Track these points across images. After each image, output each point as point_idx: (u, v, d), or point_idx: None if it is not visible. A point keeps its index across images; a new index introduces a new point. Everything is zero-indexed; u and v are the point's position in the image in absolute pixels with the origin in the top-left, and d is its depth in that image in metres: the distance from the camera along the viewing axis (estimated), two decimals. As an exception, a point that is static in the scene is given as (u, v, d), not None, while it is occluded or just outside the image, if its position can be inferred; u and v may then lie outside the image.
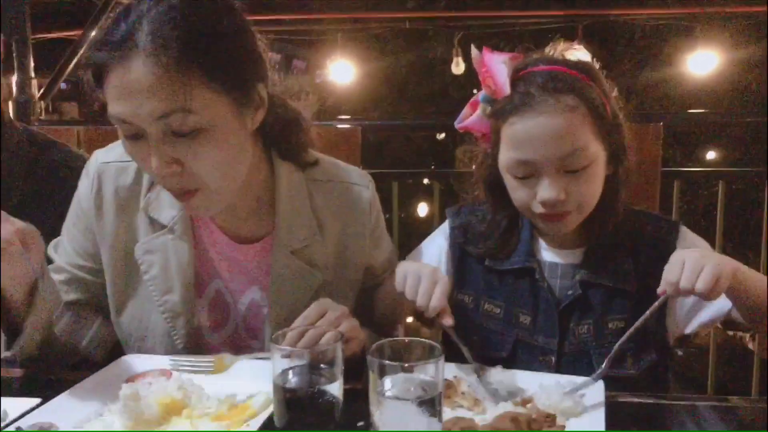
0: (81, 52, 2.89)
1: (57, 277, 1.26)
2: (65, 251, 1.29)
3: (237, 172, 1.14)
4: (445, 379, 1.01)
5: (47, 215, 1.40)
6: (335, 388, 0.90)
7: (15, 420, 0.95)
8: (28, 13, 2.78)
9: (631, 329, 1.09)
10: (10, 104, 2.70)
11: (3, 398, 1.00)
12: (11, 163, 1.45)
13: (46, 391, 1.04)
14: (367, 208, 1.31)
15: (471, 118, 1.26)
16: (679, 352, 2.98)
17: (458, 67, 4.72)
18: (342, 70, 5.01)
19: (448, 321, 1.11)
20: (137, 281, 1.23)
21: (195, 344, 1.24)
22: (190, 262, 1.22)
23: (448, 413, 0.97)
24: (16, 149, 1.47)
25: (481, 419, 0.96)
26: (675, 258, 1.07)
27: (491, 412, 0.99)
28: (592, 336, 1.24)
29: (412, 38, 5.73)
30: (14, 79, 2.93)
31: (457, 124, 1.28)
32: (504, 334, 1.28)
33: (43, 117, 2.84)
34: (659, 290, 1.08)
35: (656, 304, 1.08)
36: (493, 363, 1.14)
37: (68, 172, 1.46)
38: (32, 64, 2.79)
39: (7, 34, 2.67)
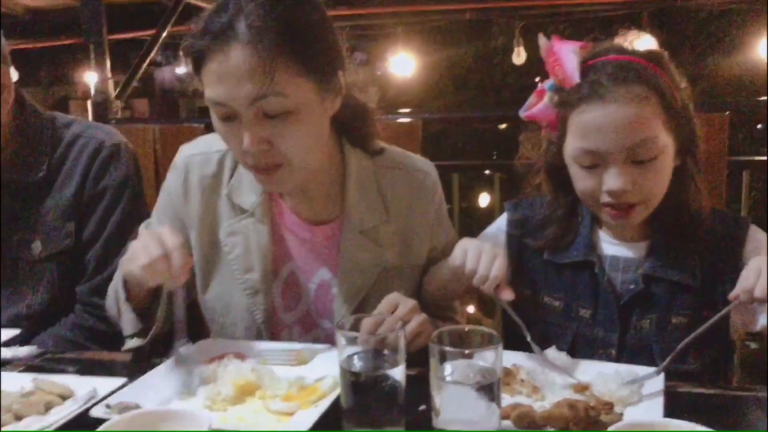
0: (153, 52, 3.02)
1: None
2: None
3: (316, 152, 1.24)
4: (504, 367, 1.04)
5: (71, 181, 1.54)
6: (398, 373, 0.94)
7: (104, 398, 1.03)
8: (104, 15, 2.92)
9: (699, 330, 1.08)
10: (89, 104, 2.85)
11: (95, 377, 1.10)
12: (35, 141, 1.55)
13: (132, 372, 1.12)
14: (431, 192, 1.39)
15: (537, 106, 1.27)
16: (752, 345, 2.89)
17: (519, 57, 4.69)
18: (402, 63, 5.04)
19: (507, 294, 1.14)
20: (221, 261, 1.33)
21: (272, 321, 1.33)
22: (268, 243, 1.31)
23: (507, 400, 1.00)
24: (39, 129, 1.56)
25: (539, 406, 0.98)
26: (752, 265, 1.06)
27: (550, 399, 1.02)
28: (654, 331, 1.24)
29: (473, 29, 5.71)
30: (91, 79, 3.08)
31: (523, 113, 1.30)
32: (563, 327, 1.29)
33: (119, 116, 2.97)
34: (731, 295, 1.07)
35: (727, 309, 1.08)
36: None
37: (87, 139, 1.57)
38: (108, 65, 2.94)
39: (85, 35, 2.82)
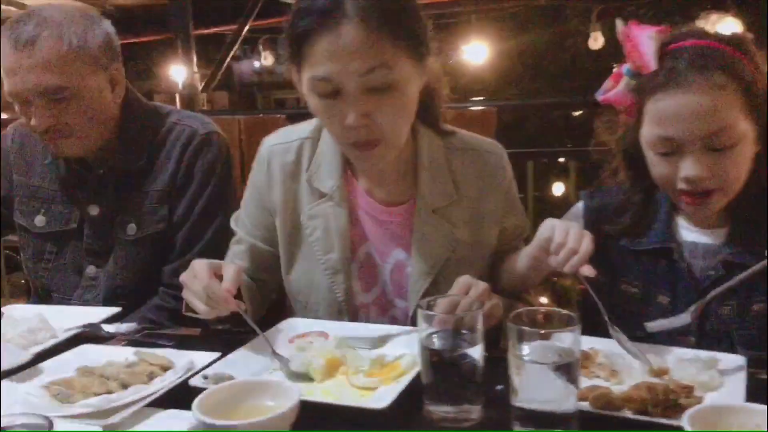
0: (236, 45, 3.14)
1: (238, 247, 1.46)
2: (244, 224, 1.48)
3: (407, 130, 1.30)
4: (582, 351, 1.05)
5: (166, 168, 1.63)
6: (476, 353, 0.97)
7: (200, 370, 1.11)
8: (191, 11, 3.04)
9: None
10: (177, 97, 2.99)
11: (191, 351, 1.18)
12: (138, 131, 1.65)
13: (225, 347, 1.20)
14: (501, 172, 1.42)
15: (613, 90, 1.26)
16: None
17: (596, 42, 4.59)
18: (475, 51, 5.01)
19: (590, 271, 1.13)
20: (303, 243, 1.40)
21: (351, 300, 1.39)
22: (346, 225, 1.37)
23: (584, 383, 1.00)
24: (142, 120, 1.66)
25: (617, 390, 0.99)
26: None
27: (628, 383, 1.02)
28: (735, 317, 1.22)
29: (547, 14, 5.61)
30: (177, 73, 3.22)
31: (599, 96, 1.29)
32: (641, 314, 1.28)
33: (205, 107, 3.10)
34: None
35: None
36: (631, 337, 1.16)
37: (182, 128, 1.66)
38: (194, 59, 3.07)
39: (173, 32, 2.95)
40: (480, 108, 2.38)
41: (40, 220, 1.68)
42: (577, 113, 5.27)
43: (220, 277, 1.20)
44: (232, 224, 1.51)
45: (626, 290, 1.32)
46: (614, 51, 1.24)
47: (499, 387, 1.01)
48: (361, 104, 1.18)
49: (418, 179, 1.37)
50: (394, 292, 1.40)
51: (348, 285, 1.37)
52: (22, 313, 1.37)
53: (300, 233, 1.40)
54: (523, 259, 1.30)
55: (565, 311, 0.95)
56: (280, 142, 1.44)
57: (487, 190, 1.40)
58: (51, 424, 0.65)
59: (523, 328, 0.91)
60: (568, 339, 0.90)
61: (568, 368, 0.89)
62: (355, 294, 1.39)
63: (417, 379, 1.02)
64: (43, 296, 1.71)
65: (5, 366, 1.12)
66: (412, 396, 1.00)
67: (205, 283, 1.17)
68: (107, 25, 1.60)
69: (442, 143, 1.40)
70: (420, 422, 0.98)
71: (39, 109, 1.51)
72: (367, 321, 1.40)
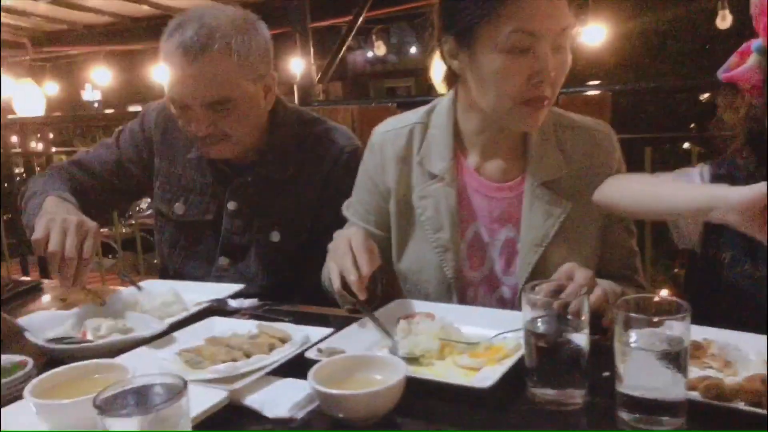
0: (351, 36, 3.23)
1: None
2: (357, 211, 1.55)
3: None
4: (694, 341, 1.03)
5: (313, 180, 1.69)
6: (581, 339, 0.97)
7: (316, 343, 1.18)
8: (308, 5, 3.15)
9: None
10: (296, 88, 3.11)
11: (307, 326, 1.26)
12: (285, 138, 1.70)
13: (338, 324, 1.27)
14: (610, 150, 1.44)
15: (740, 68, 1.20)
16: None
17: (724, 21, 4.29)
18: (593, 33, 4.84)
19: None
20: (415, 224, 1.45)
21: (460, 278, 1.42)
22: (455, 204, 1.41)
23: (695, 373, 0.98)
24: (288, 126, 1.72)
25: (731, 381, 0.96)
26: None
27: (742, 375, 0.99)
28: None
29: (672, -7, 5.32)
30: (295, 65, 3.36)
31: (722, 74, 1.23)
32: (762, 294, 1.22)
33: (321, 98, 3.21)
34: None
35: None
36: (747, 325, 1.11)
37: (329, 143, 1.70)
38: (312, 51, 3.18)
39: (292, 25, 3.07)
40: (595, 92, 2.31)
41: (179, 207, 1.73)
42: (704, 96, 4.97)
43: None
44: (344, 211, 1.57)
45: (749, 270, 1.26)
46: (743, 30, 1.18)
47: (605, 374, 1.01)
48: (550, 60, 1.25)
49: (528, 154, 1.40)
50: (503, 270, 1.43)
51: (457, 263, 1.41)
52: (158, 288, 1.50)
53: (412, 214, 1.45)
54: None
55: (676, 299, 0.94)
56: (390, 129, 1.50)
57: (595, 167, 1.41)
58: (185, 384, 0.73)
59: (631, 314, 0.90)
60: (678, 327, 0.88)
61: (676, 357, 0.88)
62: (464, 272, 1.43)
63: (521, 361, 1.04)
64: (175, 279, 1.77)
65: (146, 334, 1.25)
66: (515, 378, 1.02)
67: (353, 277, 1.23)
68: (265, 31, 1.61)
69: (551, 120, 1.42)
70: (523, 403, 1.00)
71: (200, 117, 1.55)
72: (475, 299, 1.43)
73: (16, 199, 4.34)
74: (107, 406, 0.70)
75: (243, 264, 1.71)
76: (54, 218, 1.35)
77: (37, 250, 1.34)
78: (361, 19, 3.28)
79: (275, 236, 1.69)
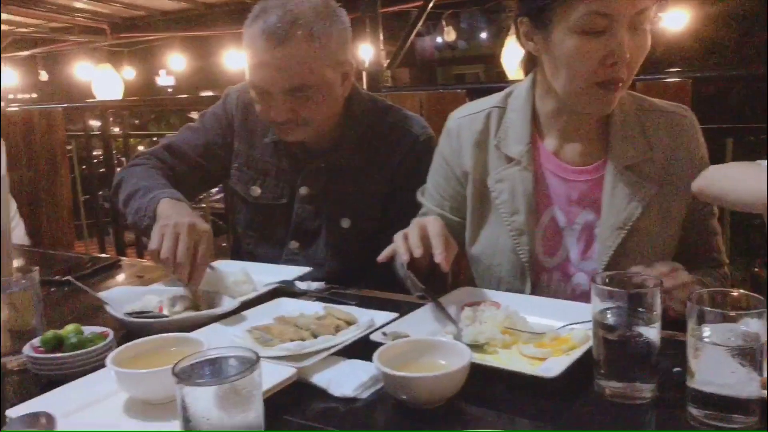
0: (420, 22, 3.22)
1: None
2: (432, 196, 1.56)
3: None
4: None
5: (386, 169, 1.70)
6: (652, 333, 0.95)
7: (380, 327, 1.19)
8: (378, -9, 3.16)
9: None
10: (364, 75, 3.13)
11: (372, 310, 1.27)
12: (359, 126, 1.71)
13: (403, 308, 1.29)
14: (693, 135, 1.42)
15: None
16: None
17: (818, 4, 4.04)
18: (674, 18, 4.66)
19: None
20: (490, 207, 1.46)
21: (534, 262, 1.42)
22: (532, 187, 1.41)
23: (773, 372, 0.95)
24: (363, 114, 1.73)
25: (811, 382, 0.93)
26: None
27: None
28: None
29: (761, -26, 5.04)
30: (364, 51, 3.37)
31: None
32: None
33: (389, 84, 3.22)
34: None
35: None
36: None
37: (403, 132, 1.71)
38: (381, 37, 3.19)
39: (362, 10, 3.09)
40: (675, 80, 2.23)
41: (255, 189, 1.77)
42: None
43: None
44: (419, 197, 1.59)
45: None
46: None
47: (676, 369, 0.99)
48: (625, 41, 1.23)
49: (610, 137, 1.39)
50: (579, 256, 1.41)
51: (532, 247, 1.41)
52: (229, 268, 1.55)
53: (487, 197, 1.46)
54: None
55: (754, 294, 0.90)
56: (467, 114, 1.51)
57: (678, 152, 1.39)
58: (258, 358, 0.76)
59: (705, 308, 0.87)
60: (754, 323, 0.85)
61: (751, 353, 0.85)
62: (539, 258, 1.42)
63: (588, 353, 1.02)
64: (247, 260, 1.80)
65: (218, 311, 1.30)
66: (582, 369, 1.01)
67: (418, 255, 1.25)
68: (345, 18, 1.62)
69: (632, 103, 1.41)
70: (589, 395, 0.99)
71: (280, 103, 1.56)
72: (549, 285, 1.43)
73: (92, 182, 4.53)
74: (185, 376, 0.73)
75: (313, 248, 1.74)
76: (167, 224, 1.39)
77: (153, 259, 1.39)
78: (431, 4, 3.26)
79: (345, 222, 1.71)
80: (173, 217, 1.43)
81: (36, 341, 1.13)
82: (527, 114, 1.43)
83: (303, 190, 1.73)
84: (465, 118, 1.51)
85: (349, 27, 1.63)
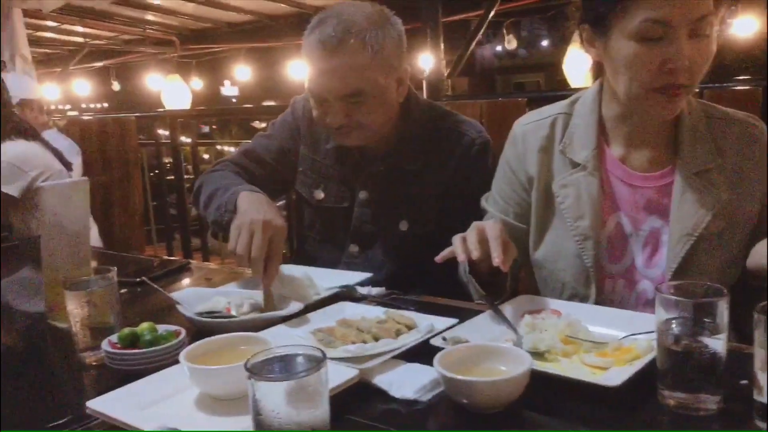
0: (482, 31, 3.22)
1: None
2: (496, 202, 1.58)
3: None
4: None
5: (442, 172, 1.72)
6: (718, 344, 0.93)
7: (440, 332, 1.21)
8: (441, 1, 3.18)
9: None
10: (424, 84, 3.15)
11: (432, 315, 1.29)
12: (416, 130, 1.74)
13: (462, 315, 1.30)
14: (764, 144, 1.38)
15: None
16: None
17: None
18: (744, 25, 4.52)
19: None
20: (554, 212, 1.46)
21: (599, 268, 1.41)
22: (598, 193, 1.41)
23: None
24: (420, 118, 1.76)
25: None
26: None
27: None
28: None
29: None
30: (424, 60, 3.39)
31: None
32: None
33: (449, 93, 3.23)
34: None
35: None
36: None
37: (459, 136, 1.73)
38: (442, 46, 3.21)
39: (423, 20, 3.11)
40: (744, 87, 2.17)
41: (318, 193, 1.83)
42: None
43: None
44: (483, 204, 1.61)
45: None
46: None
47: (743, 381, 0.97)
48: (685, 48, 1.23)
49: (679, 144, 1.38)
50: (645, 263, 1.40)
51: (597, 252, 1.40)
52: (293, 272, 1.60)
53: (551, 203, 1.46)
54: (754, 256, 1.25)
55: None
56: (532, 120, 1.52)
57: (748, 160, 1.37)
58: (325, 356, 0.79)
59: (773, 320, 0.86)
60: (827, 337, 0.83)
61: (824, 368, 0.83)
62: (603, 264, 1.42)
63: (652, 363, 1.01)
64: (308, 262, 1.85)
65: (283, 313, 1.34)
66: (645, 380, 1.00)
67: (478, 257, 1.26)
68: (399, 25, 1.67)
69: (701, 110, 1.40)
70: (652, 405, 0.98)
71: (335, 109, 1.63)
72: (613, 292, 1.42)
73: (161, 189, 4.70)
74: (257, 371, 0.77)
75: (371, 251, 1.78)
76: (243, 221, 1.46)
77: (234, 257, 1.46)
78: (492, 13, 3.26)
79: (403, 225, 1.74)
80: (249, 212, 1.49)
81: (113, 338, 1.19)
82: (594, 119, 1.43)
83: (362, 194, 1.77)
84: (530, 124, 1.52)
85: (403, 34, 1.67)
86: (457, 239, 1.31)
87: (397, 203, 1.75)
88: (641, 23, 1.23)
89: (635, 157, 1.42)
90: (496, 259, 1.23)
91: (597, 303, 1.40)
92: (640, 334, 1.14)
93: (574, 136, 1.45)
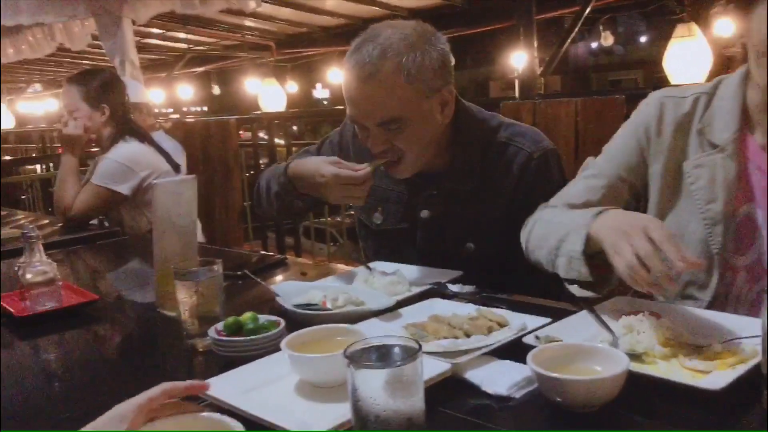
0: (577, 28, 3.15)
1: (597, 181, 1.49)
2: (612, 159, 1.50)
3: None
4: None
5: (502, 191, 1.66)
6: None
7: (533, 330, 1.21)
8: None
9: None
10: (516, 83, 3.11)
11: (524, 315, 1.29)
12: (469, 149, 1.68)
13: (555, 314, 1.29)
14: None
15: None
16: None
17: None
18: None
19: None
20: (681, 192, 1.41)
21: (724, 259, 1.36)
22: (734, 178, 1.35)
23: None
24: (472, 136, 1.69)
25: None
26: None
27: None
28: None
29: None
30: (517, 58, 3.35)
31: None
32: None
33: (542, 91, 3.18)
34: None
35: None
36: None
37: (515, 151, 1.66)
38: (535, 44, 3.16)
39: (517, 18, 3.08)
40: None
41: (377, 217, 1.80)
42: None
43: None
44: (589, 160, 1.54)
45: None
46: None
47: None
48: None
49: None
50: None
51: (724, 238, 1.35)
52: (386, 268, 1.63)
53: (680, 182, 1.41)
54: None
55: None
56: (674, 95, 1.47)
57: None
58: (420, 347, 0.81)
59: None
60: None
61: None
62: (728, 253, 1.36)
63: (757, 368, 0.97)
64: None
65: (376, 307, 1.37)
66: (750, 385, 0.97)
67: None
68: (443, 43, 1.60)
69: None
70: (756, 411, 0.94)
71: (374, 135, 1.60)
72: (732, 285, 1.36)
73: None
74: (356, 359, 0.80)
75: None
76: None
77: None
78: (588, 8, 3.18)
79: (470, 246, 1.70)
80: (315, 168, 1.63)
81: (219, 326, 1.27)
82: (738, 102, 1.36)
83: (424, 214, 1.73)
84: (671, 98, 1.45)
85: (447, 53, 1.60)
86: (628, 266, 1.15)
87: (460, 224, 1.70)
88: None
89: None
90: (680, 266, 1.09)
91: (715, 295, 1.35)
92: (744, 338, 1.09)
93: (715, 116, 1.39)
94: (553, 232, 1.41)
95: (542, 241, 1.44)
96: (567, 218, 1.40)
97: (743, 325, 1.16)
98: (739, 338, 1.10)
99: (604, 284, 1.34)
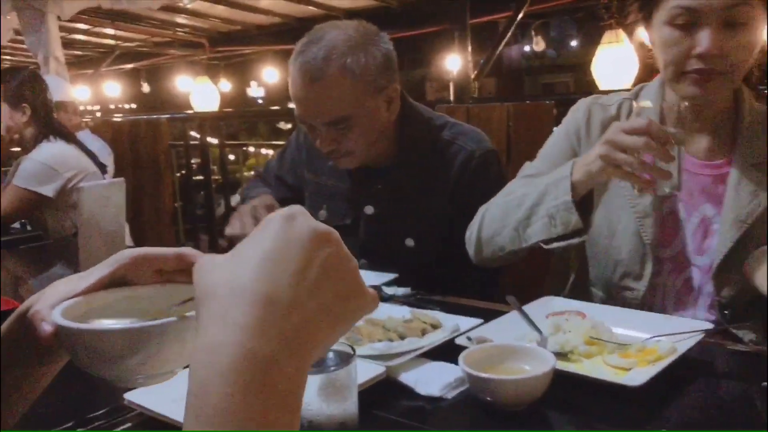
0: (510, 32, 3.22)
1: (534, 180, 1.49)
2: (548, 159, 1.54)
3: (745, 70, 1.37)
4: None
5: (444, 188, 1.69)
6: None
7: (465, 332, 1.23)
8: (468, 3, 3.17)
9: None
10: (451, 85, 3.16)
11: (457, 316, 1.31)
12: (414, 145, 1.71)
13: (486, 315, 1.32)
14: None
15: None
16: None
17: None
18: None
19: None
20: (611, 189, 1.48)
21: (656, 247, 1.42)
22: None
23: None
24: (418, 133, 1.72)
25: None
26: None
27: None
28: None
29: None
30: (452, 61, 3.40)
31: None
32: None
33: (476, 95, 3.24)
34: None
35: None
36: None
37: (457, 149, 1.69)
38: (470, 48, 3.21)
39: (451, 22, 3.12)
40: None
41: (322, 214, 1.82)
42: None
43: None
44: (525, 168, 1.57)
45: None
46: None
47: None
48: (712, 35, 1.26)
49: (737, 136, 1.41)
50: (695, 250, 1.42)
51: (655, 230, 1.42)
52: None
53: (609, 180, 1.44)
54: None
55: None
56: (600, 102, 1.55)
57: None
58: (354, 352, 0.82)
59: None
60: None
61: None
62: (655, 245, 1.43)
63: (674, 364, 1.03)
64: None
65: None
66: (668, 380, 1.02)
67: None
68: (386, 42, 1.62)
69: (761, 107, 1.43)
70: (675, 405, 0.99)
71: (323, 135, 1.62)
72: (658, 275, 1.43)
73: (189, 189, 4.74)
74: (288, 366, 0.80)
75: (382, 267, 1.73)
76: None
77: None
78: (521, 14, 3.26)
79: (409, 242, 1.72)
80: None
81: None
82: (657, 104, 1.44)
83: (368, 210, 1.75)
84: (597, 104, 1.54)
85: (391, 52, 1.62)
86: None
87: (402, 219, 1.73)
88: (672, 8, 1.29)
89: (693, 144, 1.44)
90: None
91: (649, 285, 1.42)
92: (663, 336, 1.15)
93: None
94: (514, 207, 1.42)
95: (503, 221, 1.44)
96: (530, 188, 1.42)
97: (663, 323, 1.21)
98: (658, 336, 1.15)
99: (587, 228, 1.37)
